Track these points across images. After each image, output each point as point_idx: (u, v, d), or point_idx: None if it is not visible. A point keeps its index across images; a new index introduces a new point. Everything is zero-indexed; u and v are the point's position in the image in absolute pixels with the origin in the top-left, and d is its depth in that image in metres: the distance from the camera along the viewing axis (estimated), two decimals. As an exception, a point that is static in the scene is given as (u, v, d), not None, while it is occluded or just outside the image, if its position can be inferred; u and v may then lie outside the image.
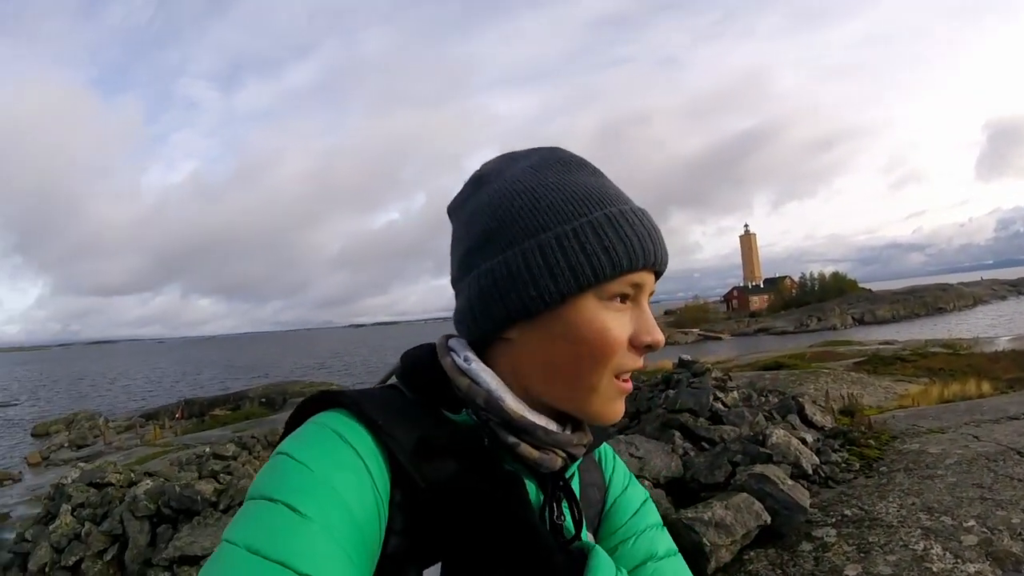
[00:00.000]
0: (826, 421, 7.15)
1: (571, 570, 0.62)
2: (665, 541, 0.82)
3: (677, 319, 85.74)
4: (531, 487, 0.70)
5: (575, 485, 0.78)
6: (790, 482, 4.36)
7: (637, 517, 0.83)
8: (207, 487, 6.18)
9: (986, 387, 12.07)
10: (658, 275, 0.71)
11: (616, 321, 0.66)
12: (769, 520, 3.96)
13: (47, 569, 6.15)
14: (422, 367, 0.71)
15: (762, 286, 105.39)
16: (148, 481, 6.85)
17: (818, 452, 5.60)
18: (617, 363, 0.67)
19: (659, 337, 0.68)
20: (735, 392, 8.26)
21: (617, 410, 0.70)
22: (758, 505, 4.05)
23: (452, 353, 0.71)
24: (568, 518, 0.71)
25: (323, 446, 0.59)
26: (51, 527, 6.53)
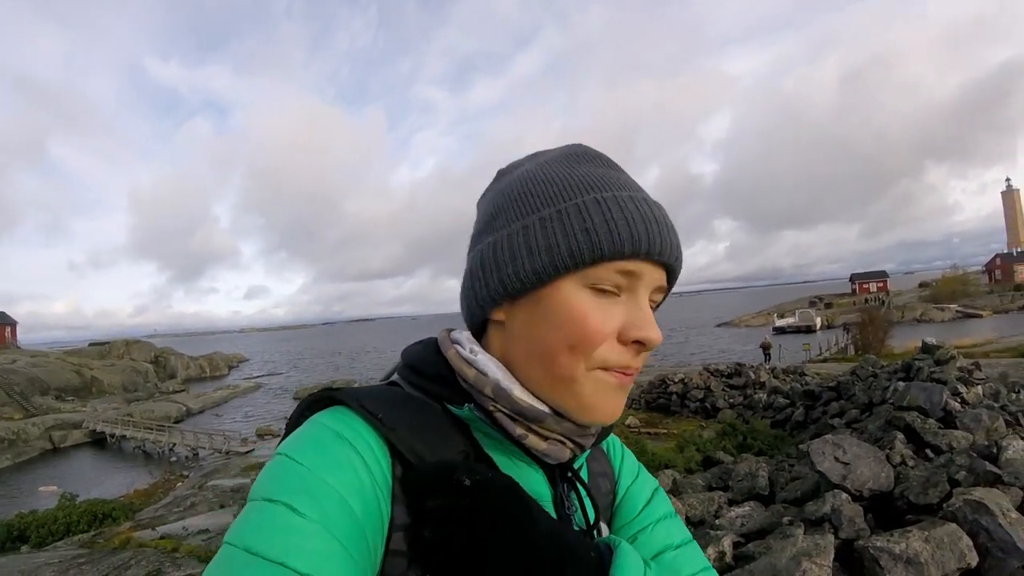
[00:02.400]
0: (1090, 432, 5.90)
1: (597, 565, 0.61)
2: (680, 530, 0.81)
3: (932, 293, 75.26)
4: (539, 479, 0.70)
5: (584, 475, 0.79)
6: (1015, 515, 3.64)
7: (650, 507, 0.83)
8: None
9: None
10: (670, 272, 0.69)
11: (599, 309, 0.64)
12: (975, 563, 3.31)
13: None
14: (425, 361, 0.72)
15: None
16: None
17: None
18: (599, 355, 0.64)
19: (651, 334, 0.65)
20: (980, 387, 7.10)
21: (608, 404, 0.67)
22: (966, 542, 3.38)
23: (456, 345, 0.71)
24: (578, 509, 0.71)
25: (321, 445, 0.60)
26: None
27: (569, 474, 0.72)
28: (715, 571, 0.77)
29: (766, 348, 30.05)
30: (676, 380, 15.88)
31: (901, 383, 7.16)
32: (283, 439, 0.64)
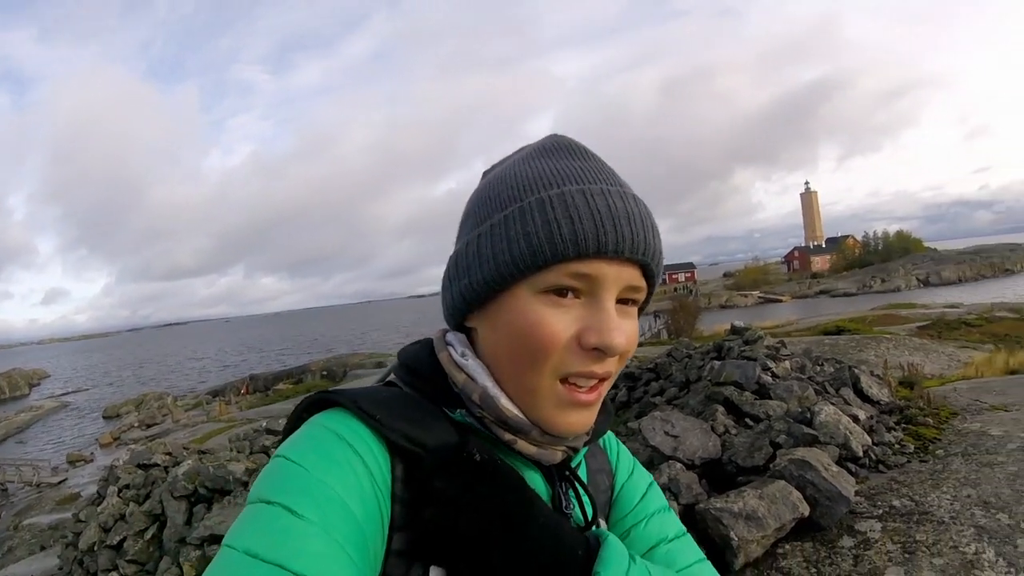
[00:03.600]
0: (883, 395, 6.58)
1: (584, 557, 0.61)
2: (674, 523, 0.81)
3: (736, 281, 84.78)
4: (536, 478, 0.70)
5: (582, 473, 0.79)
6: (835, 468, 4.00)
7: (645, 501, 0.83)
8: (239, 467, 6.30)
9: (1056, 356, 11.18)
10: (645, 268, 0.65)
11: (554, 316, 0.62)
12: (807, 512, 3.66)
13: (95, 547, 6.39)
14: (419, 363, 0.71)
15: (824, 246, 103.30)
16: (188, 462, 7.02)
17: (871, 431, 5.14)
18: (558, 362, 0.62)
19: (608, 339, 0.61)
20: (788, 362, 7.70)
21: (568, 421, 0.65)
22: (796, 495, 3.73)
23: (449, 347, 0.70)
24: (576, 507, 0.71)
25: (320, 446, 0.59)
26: (99, 508, 6.78)
27: (567, 473, 0.72)
28: (709, 564, 0.78)
29: None
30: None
31: (716, 361, 7.66)
32: (280, 441, 0.63)
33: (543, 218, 0.60)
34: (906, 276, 68.11)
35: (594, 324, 0.61)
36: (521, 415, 0.65)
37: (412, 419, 0.63)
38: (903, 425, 5.42)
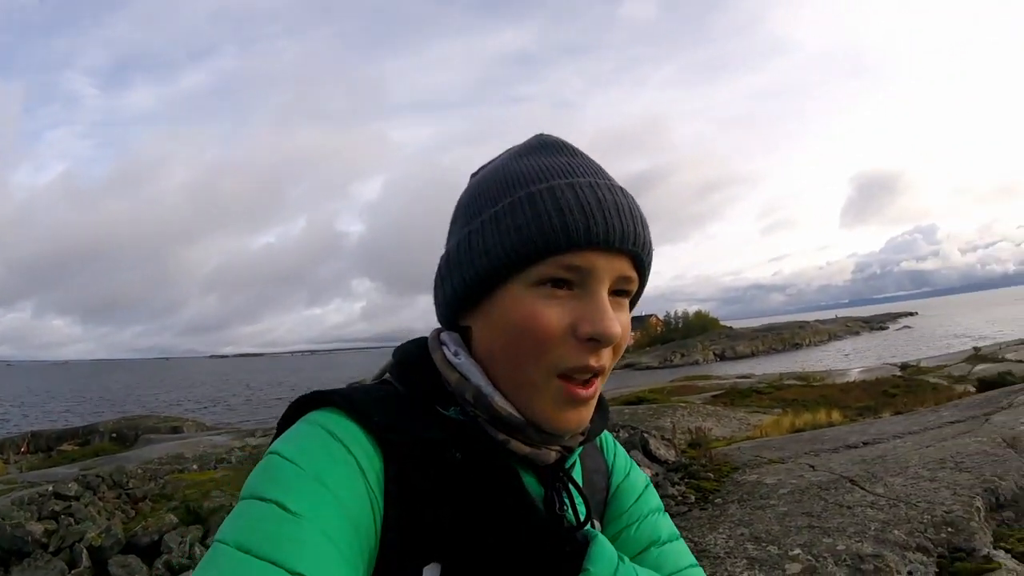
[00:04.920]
0: (669, 455, 7.27)
1: (573, 557, 0.62)
2: (667, 526, 0.81)
3: None
4: (530, 479, 0.68)
5: (577, 473, 0.77)
6: None
7: (640, 502, 0.82)
8: (38, 527, 5.63)
9: (836, 415, 12.68)
10: (636, 259, 0.66)
11: (548, 307, 0.62)
12: None
13: None
14: (414, 362, 0.71)
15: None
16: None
17: (657, 487, 5.54)
18: (556, 357, 0.62)
19: (603, 327, 0.61)
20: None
21: (565, 418, 0.65)
22: None
23: (443, 347, 0.70)
24: (569, 508, 0.69)
25: (313, 443, 0.59)
26: None
27: (561, 474, 0.71)
28: (701, 569, 0.77)
29: None
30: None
31: None
32: (274, 439, 0.63)
33: (534, 211, 0.61)
34: (704, 351, 74.36)
35: (588, 314, 0.61)
36: (516, 413, 0.64)
37: (404, 418, 0.63)
38: (686, 480, 5.86)
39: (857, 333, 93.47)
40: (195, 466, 14.17)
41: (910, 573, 3.15)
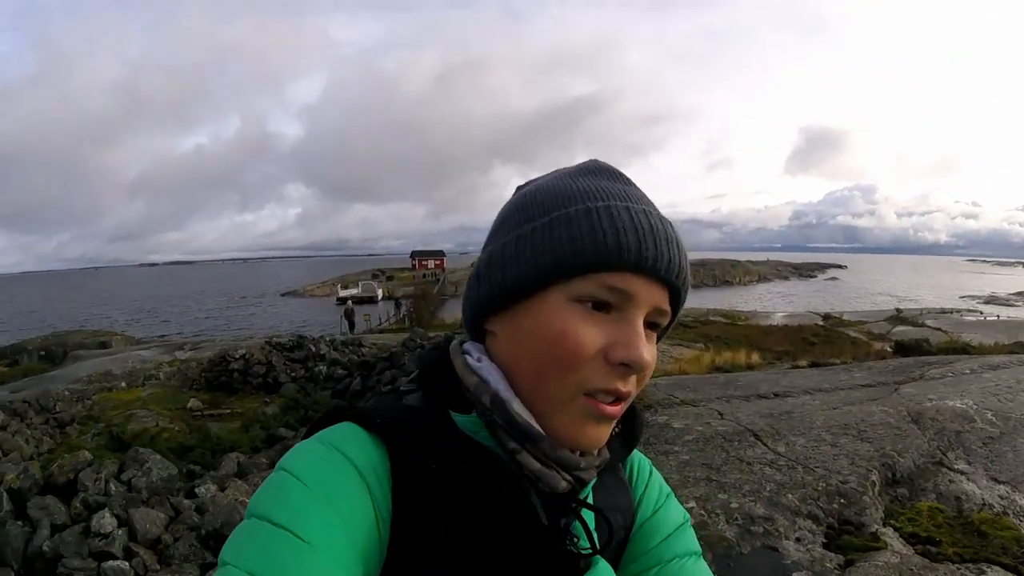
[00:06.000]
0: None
1: None
2: (700, 574, 0.76)
3: None
4: (537, 504, 0.66)
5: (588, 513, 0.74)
6: None
7: (667, 543, 0.77)
8: None
9: (756, 357, 13.02)
10: (674, 293, 0.66)
11: (584, 327, 0.61)
12: None
13: None
14: (434, 368, 0.71)
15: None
16: None
17: None
18: (583, 377, 0.62)
19: (637, 354, 0.61)
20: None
21: (585, 433, 0.64)
22: None
23: (465, 354, 0.71)
24: (583, 538, 0.67)
25: (323, 463, 0.59)
26: None
27: (574, 504, 0.68)
28: None
29: (349, 316, 29.55)
30: (237, 356, 14.69)
31: (389, 371, 7.65)
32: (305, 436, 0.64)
33: (589, 225, 0.62)
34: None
35: (623, 339, 0.61)
36: (532, 422, 0.64)
37: (417, 434, 0.63)
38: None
39: (786, 278, 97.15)
40: (123, 384, 13.69)
41: (798, 539, 3.06)
